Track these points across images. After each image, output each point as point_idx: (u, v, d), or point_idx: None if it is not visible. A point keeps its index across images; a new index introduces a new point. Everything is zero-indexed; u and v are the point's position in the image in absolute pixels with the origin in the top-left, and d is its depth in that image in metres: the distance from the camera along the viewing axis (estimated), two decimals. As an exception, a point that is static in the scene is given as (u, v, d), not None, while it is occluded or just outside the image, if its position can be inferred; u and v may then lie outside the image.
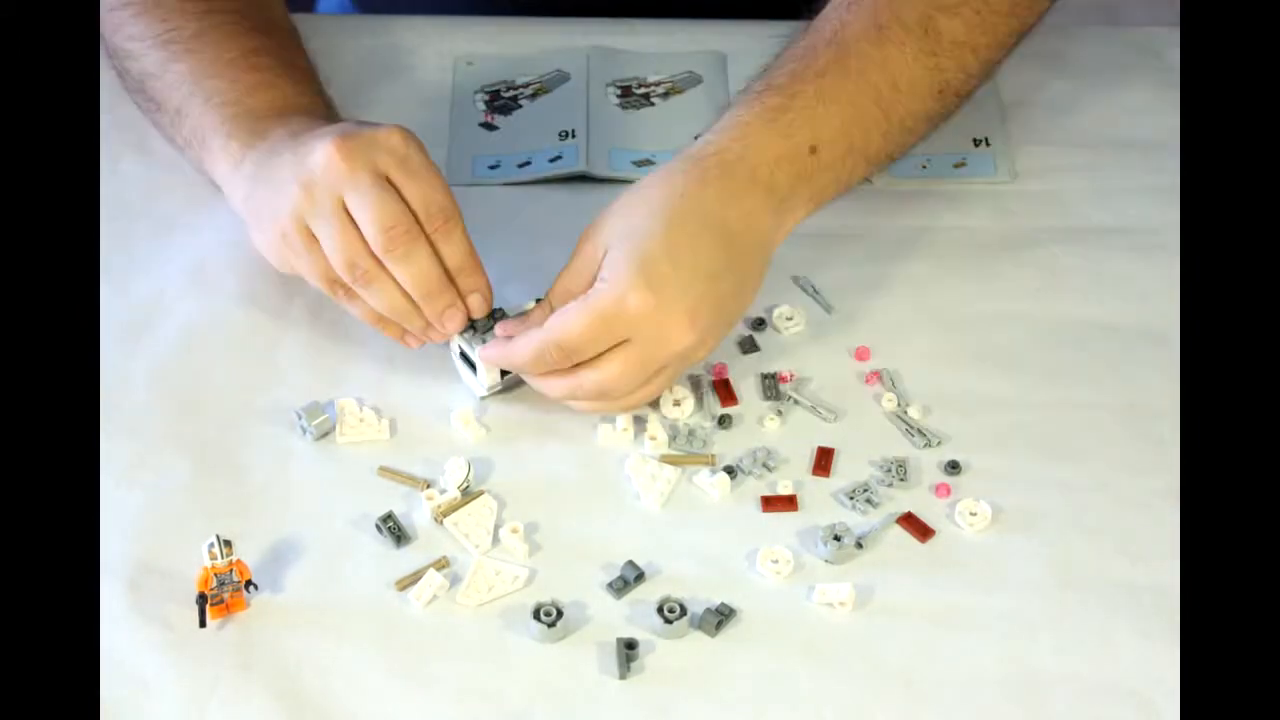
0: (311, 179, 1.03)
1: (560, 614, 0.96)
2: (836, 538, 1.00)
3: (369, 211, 1.02)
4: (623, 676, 0.95)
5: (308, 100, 1.13)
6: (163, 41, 1.15)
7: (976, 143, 1.24)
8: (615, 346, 1.01)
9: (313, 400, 1.07)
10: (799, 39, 1.12)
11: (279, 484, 1.04)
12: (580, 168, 1.22)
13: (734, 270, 1.04)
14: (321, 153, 1.03)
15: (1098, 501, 1.04)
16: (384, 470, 1.05)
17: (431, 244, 1.04)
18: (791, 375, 1.09)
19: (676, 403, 1.06)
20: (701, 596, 0.99)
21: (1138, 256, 1.17)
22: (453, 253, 1.04)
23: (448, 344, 1.07)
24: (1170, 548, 1.00)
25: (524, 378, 1.05)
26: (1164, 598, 0.98)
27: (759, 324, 1.12)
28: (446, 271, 1.04)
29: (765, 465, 1.04)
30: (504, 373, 1.06)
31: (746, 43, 1.25)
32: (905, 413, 1.08)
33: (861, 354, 1.10)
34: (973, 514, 1.02)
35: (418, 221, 1.03)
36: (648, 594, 0.98)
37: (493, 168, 1.23)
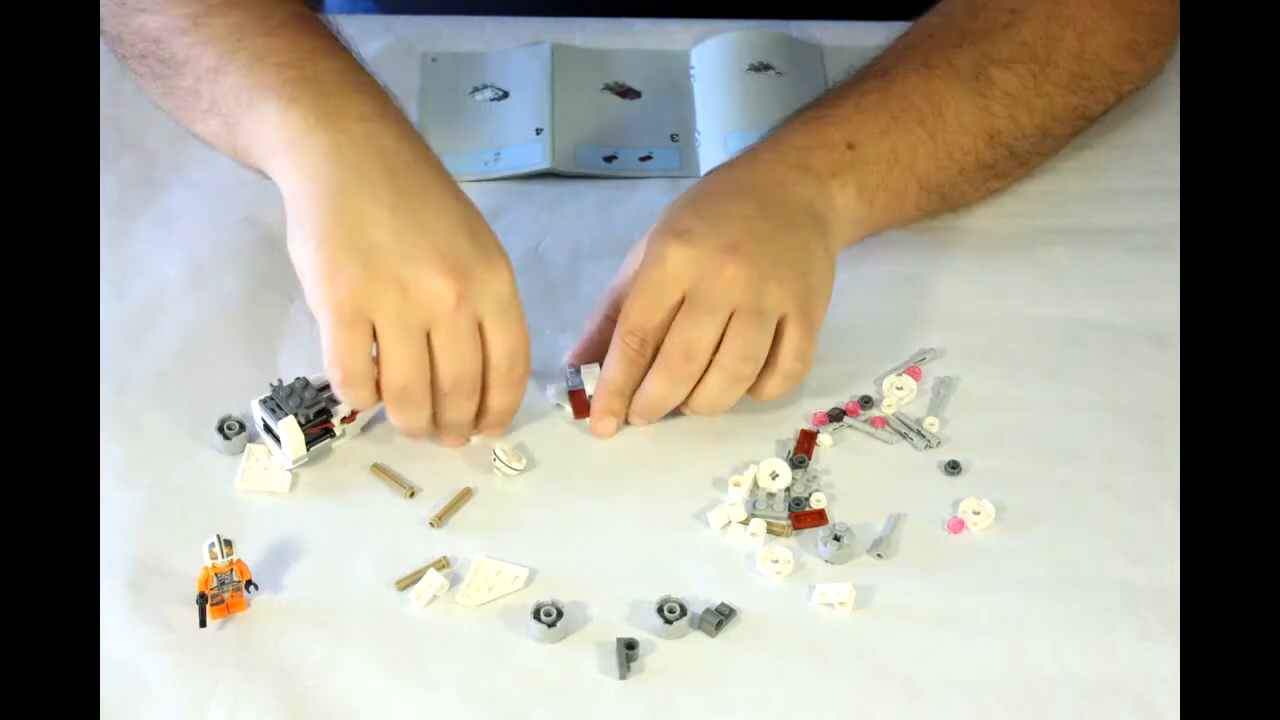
0: (415, 296, 0.98)
1: (560, 614, 0.96)
2: (836, 538, 1.00)
3: (454, 354, 0.99)
4: (623, 676, 0.95)
5: (367, 79, 1.05)
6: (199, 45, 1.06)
7: None
8: (679, 314, 1.02)
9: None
10: (846, 75, 1.16)
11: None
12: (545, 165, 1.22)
13: (770, 215, 1.04)
14: (436, 280, 0.97)
15: (1098, 501, 1.04)
16: (376, 469, 1.05)
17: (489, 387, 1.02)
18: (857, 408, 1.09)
19: (774, 475, 1.04)
20: (701, 597, 0.99)
21: (1138, 256, 1.17)
22: (500, 406, 1.03)
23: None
24: (1170, 548, 1.00)
25: (641, 413, 1.05)
26: (1164, 598, 0.98)
27: (866, 402, 1.09)
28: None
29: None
30: (310, 443, 1.03)
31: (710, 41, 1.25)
32: (905, 413, 1.08)
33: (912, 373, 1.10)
34: (975, 513, 1.02)
35: (486, 368, 1.01)
36: (648, 594, 0.98)
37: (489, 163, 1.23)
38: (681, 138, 1.25)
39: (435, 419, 1.02)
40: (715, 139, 1.24)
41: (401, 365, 0.99)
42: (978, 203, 1.18)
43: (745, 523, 1.02)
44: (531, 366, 1.03)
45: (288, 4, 1.07)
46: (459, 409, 1.02)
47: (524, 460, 1.04)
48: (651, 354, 1.04)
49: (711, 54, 1.30)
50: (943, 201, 1.15)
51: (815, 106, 1.13)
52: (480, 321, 1.00)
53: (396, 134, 1.02)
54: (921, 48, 1.15)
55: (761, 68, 1.28)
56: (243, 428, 1.05)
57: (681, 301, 1.03)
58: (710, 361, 1.03)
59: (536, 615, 0.96)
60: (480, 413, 1.03)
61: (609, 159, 1.23)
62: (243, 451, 1.05)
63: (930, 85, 1.12)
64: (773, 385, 1.04)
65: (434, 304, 0.98)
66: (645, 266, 1.03)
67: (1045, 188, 1.22)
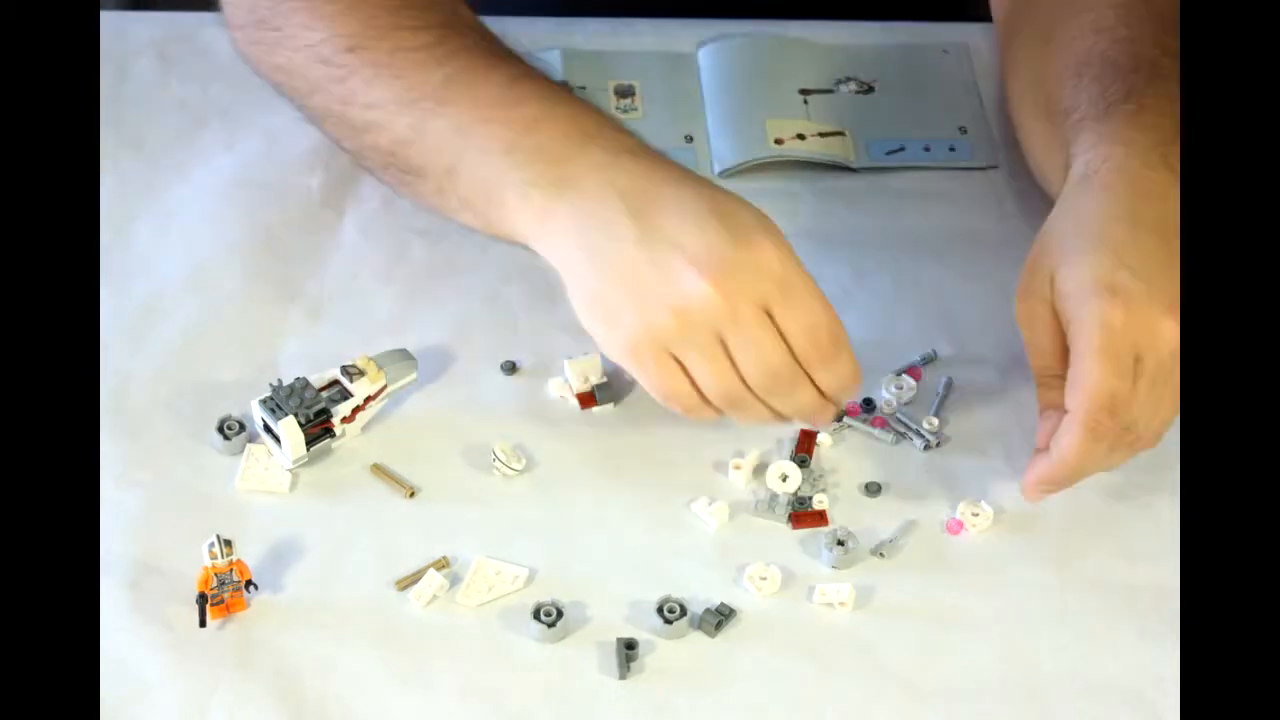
0: (687, 311, 0.95)
1: (560, 614, 0.96)
2: (840, 543, 1.00)
3: (752, 354, 0.96)
4: (623, 676, 0.95)
5: (591, 125, 1.02)
6: (409, 101, 1.04)
7: (962, 130, 1.25)
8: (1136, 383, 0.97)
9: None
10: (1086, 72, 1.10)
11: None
12: None
13: (1170, 239, 0.99)
14: (699, 287, 0.95)
15: (1098, 501, 1.04)
16: (376, 469, 1.05)
17: (811, 372, 0.98)
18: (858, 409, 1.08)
19: (784, 477, 1.04)
20: (701, 597, 0.99)
21: (1138, 256, 1.17)
22: (835, 377, 0.98)
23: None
24: (1170, 548, 1.00)
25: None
26: (1164, 598, 0.98)
27: (867, 403, 1.09)
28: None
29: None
30: (310, 443, 1.03)
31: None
32: (905, 413, 1.08)
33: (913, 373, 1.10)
34: (975, 514, 1.02)
35: (795, 354, 0.97)
36: (648, 594, 0.98)
37: None
38: (696, 139, 1.25)
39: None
40: (725, 140, 1.24)
41: (712, 381, 0.97)
42: None
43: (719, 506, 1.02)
44: (542, 362, 1.02)
45: (486, 64, 1.04)
46: (790, 399, 0.98)
47: (523, 461, 1.04)
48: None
49: (722, 56, 1.29)
50: None
51: (1130, 96, 1.07)
52: (767, 308, 0.96)
53: (630, 167, 1.00)
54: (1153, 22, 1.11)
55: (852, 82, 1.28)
56: (243, 428, 1.05)
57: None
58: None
59: (536, 615, 0.96)
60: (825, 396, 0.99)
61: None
62: (243, 451, 1.05)
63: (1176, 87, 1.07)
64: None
65: (707, 308, 0.95)
66: (1092, 326, 0.96)
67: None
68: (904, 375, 1.10)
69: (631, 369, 0.99)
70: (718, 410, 0.99)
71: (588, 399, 1.08)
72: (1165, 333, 0.96)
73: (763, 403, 0.99)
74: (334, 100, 1.07)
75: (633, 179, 0.99)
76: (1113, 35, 1.11)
